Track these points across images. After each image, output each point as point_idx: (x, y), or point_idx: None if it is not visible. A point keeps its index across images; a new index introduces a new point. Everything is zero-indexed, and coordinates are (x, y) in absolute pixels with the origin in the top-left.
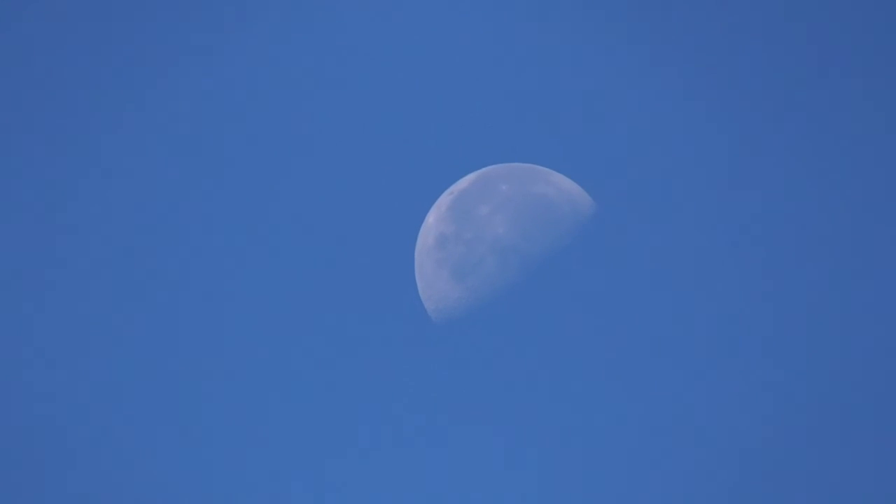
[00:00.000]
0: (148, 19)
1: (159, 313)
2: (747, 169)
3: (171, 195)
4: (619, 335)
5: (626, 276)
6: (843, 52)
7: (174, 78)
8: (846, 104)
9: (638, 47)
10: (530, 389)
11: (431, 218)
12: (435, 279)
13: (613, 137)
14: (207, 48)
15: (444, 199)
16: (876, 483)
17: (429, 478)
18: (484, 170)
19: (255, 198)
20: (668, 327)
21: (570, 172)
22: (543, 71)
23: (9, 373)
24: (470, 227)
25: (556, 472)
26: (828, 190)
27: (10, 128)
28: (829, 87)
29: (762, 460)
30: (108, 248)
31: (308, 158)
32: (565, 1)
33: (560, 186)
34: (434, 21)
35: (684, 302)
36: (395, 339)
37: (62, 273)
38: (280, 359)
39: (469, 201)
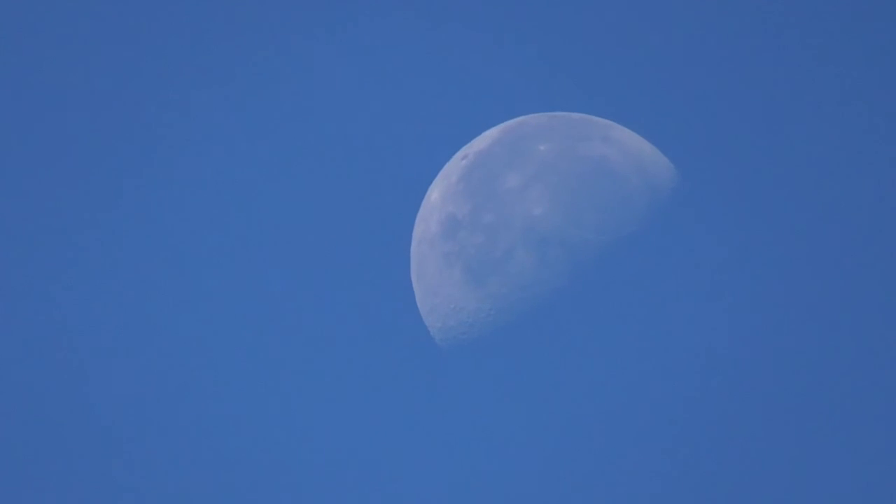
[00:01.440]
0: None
1: (126, 323)
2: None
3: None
4: (712, 366)
5: (721, 280)
6: None
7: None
8: None
9: None
10: (581, 447)
11: (436, 193)
12: (441, 283)
13: (704, 73)
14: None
15: (455, 166)
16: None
17: None
18: (513, 122)
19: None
20: (782, 359)
21: (640, 126)
22: None
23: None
24: (493, 205)
25: None
26: None
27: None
28: None
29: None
30: (88, 244)
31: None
32: None
33: (625, 146)
34: None
35: (806, 322)
36: (381, 374)
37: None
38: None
39: (491, 168)
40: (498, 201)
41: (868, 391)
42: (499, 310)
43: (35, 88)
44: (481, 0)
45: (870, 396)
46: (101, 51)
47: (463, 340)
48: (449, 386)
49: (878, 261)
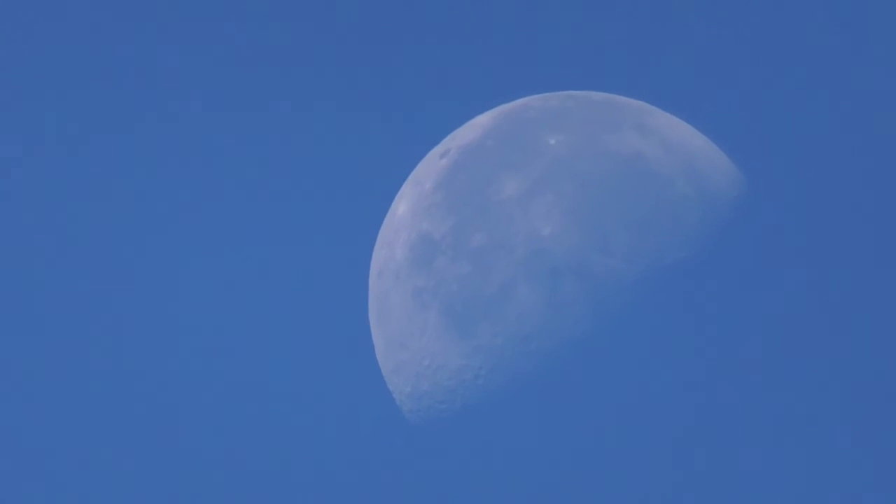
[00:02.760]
0: None
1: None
2: None
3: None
4: (789, 446)
5: (805, 325)
6: None
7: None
8: None
9: None
10: None
11: (404, 205)
12: (411, 331)
13: (778, 35)
14: None
15: (431, 167)
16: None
17: None
18: (512, 105)
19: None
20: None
21: (689, 110)
22: None
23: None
24: (483, 222)
25: None
26: None
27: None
28: None
29: None
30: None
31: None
32: None
33: (669, 139)
34: None
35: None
36: (325, 458)
37: None
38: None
39: (482, 170)
40: (491, 216)
41: None
42: (492, 369)
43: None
44: None
45: None
46: None
47: (441, 412)
48: (421, 476)
49: None
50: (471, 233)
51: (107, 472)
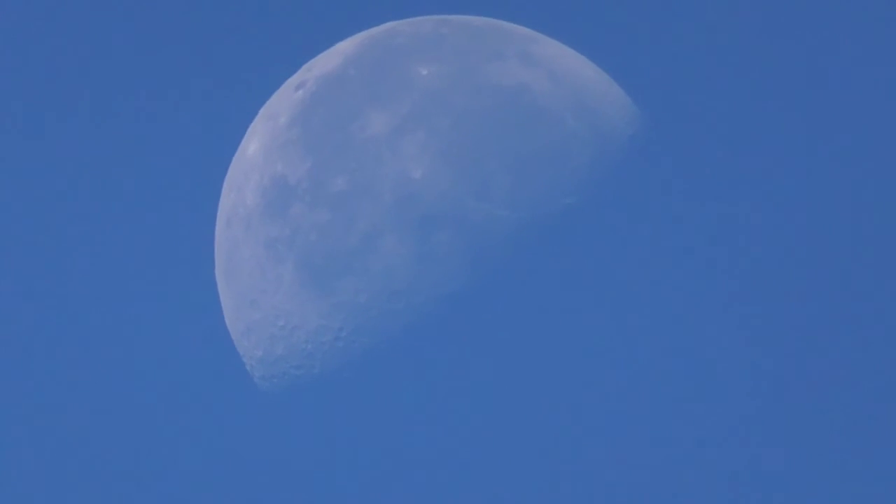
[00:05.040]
0: None
1: None
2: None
3: None
4: (692, 412)
5: (707, 277)
6: None
7: None
8: None
9: None
10: None
11: (255, 143)
12: (263, 287)
13: None
14: None
15: (285, 100)
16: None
17: None
18: (378, 29)
19: None
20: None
21: (580, 38)
22: None
23: None
24: (345, 163)
25: None
26: None
27: None
28: None
29: None
30: None
31: None
32: None
33: (556, 70)
34: None
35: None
36: (165, 434)
37: None
38: None
39: (343, 104)
40: (354, 157)
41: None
42: (354, 330)
43: None
44: None
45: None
46: None
47: (297, 379)
48: (274, 450)
49: None
50: (331, 175)
51: None
